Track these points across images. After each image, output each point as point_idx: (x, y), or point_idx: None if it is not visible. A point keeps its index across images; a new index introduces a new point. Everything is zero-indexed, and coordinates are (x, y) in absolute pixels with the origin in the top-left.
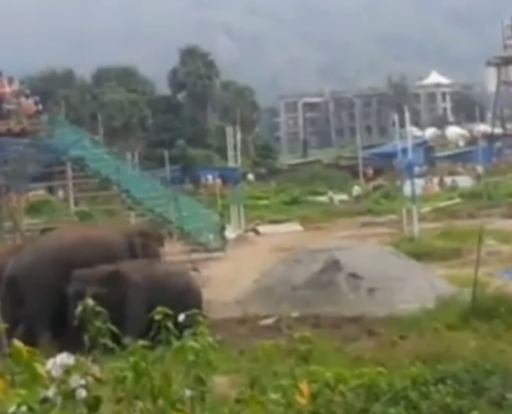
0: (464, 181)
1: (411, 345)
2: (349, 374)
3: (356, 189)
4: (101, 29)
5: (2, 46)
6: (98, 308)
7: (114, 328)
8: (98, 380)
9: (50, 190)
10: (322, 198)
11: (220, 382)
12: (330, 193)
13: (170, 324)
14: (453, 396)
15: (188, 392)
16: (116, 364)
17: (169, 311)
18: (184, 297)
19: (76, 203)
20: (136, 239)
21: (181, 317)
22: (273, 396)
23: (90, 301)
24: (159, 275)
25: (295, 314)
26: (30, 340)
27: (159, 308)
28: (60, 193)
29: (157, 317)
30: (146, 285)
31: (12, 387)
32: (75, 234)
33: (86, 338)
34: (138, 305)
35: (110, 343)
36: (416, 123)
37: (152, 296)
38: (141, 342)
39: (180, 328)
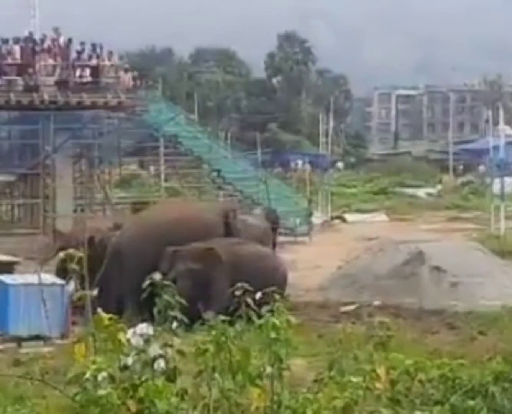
0: None
1: (490, 341)
2: (429, 364)
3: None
4: (201, 12)
5: (103, 22)
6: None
7: (195, 304)
8: (179, 352)
9: (142, 165)
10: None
11: (298, 364)
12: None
13: (249, 301)
14: None
15: (268, 369)
16: (198, 338)
17: (249, 288)
18: (269, 278)
19: (166, 180)
20: (232, 218)
21: (258, 295)
22: (353, 379)
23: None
24: (246, 255)
25: (376, 303)
26: (121, 311)
27: (239, 284)
28: (151, 169)
29: (237, 293)
30: (232, 264)
31: (94, 353)
32: (175, 211)
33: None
34: (223, 282)
35: (184, 319)
36: (509, 121)
37: (237, 274)
38: (222, 317)
39: (261, 306)
